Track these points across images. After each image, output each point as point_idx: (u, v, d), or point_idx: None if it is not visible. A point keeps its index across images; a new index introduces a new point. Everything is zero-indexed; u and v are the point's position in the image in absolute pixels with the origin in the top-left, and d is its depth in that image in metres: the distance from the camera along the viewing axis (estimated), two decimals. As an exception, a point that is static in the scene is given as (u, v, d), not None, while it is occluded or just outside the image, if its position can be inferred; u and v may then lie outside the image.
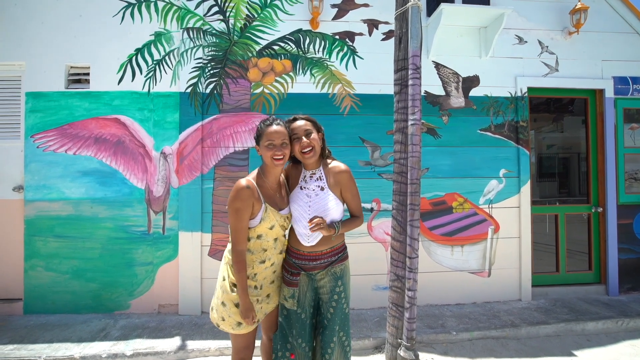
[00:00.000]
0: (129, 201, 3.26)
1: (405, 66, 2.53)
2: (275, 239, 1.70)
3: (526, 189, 3.55)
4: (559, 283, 3.71)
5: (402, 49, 2.58)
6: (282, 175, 1.82)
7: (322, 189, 1.70)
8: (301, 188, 1.73)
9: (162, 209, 3.28)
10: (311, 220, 1.63)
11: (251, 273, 1.66)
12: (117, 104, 3.27)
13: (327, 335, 1.71)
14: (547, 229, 4.09)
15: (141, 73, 3.29)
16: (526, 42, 3.61)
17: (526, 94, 3.57)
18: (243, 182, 1.58)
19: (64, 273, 3.22)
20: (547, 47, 3.63)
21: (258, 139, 1.63)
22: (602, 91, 3.69)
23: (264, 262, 1.67)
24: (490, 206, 3.53)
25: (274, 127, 1.59)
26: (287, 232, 1.80)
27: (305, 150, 1.66)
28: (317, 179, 1.72)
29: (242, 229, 1.57)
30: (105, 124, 3.27)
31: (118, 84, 3.27)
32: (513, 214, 3.54)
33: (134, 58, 3.29)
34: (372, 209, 3.39)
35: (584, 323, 3.02)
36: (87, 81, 3.29)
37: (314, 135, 1.69)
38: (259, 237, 1.63)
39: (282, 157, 1.58)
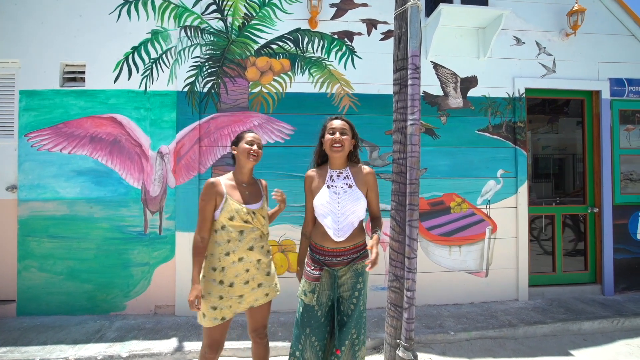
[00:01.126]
0: (125, 201, 3.22)
1: (404, 66, 2.52)
2: (241, 232, 1.78)
3: (523, 190, 3.56)
4: (555, 283, 3.74)
5: (402, 48, 2.57)
6: (262, 184, 1.99)
7: (350, 186, 1.80)
8: (328, 187, 1.81)
9: (159, 209, 3.24)
10: (373, 260, 1.61)
11: (219, 266, 1.76)
12: (113, 102, 3.23)
13: (344, 332, 1.75)
14: (544, 229, 4.12)
15: (138, 71, 3.25)
16: (524, 43, 3.63)
17: (524, 95, 3.58)
18: (211, 179, 1.81)
19: (58, 274, 3.17)
20: (545, 48, 3.65)
21: (238, 140, 1.86)
22: (598, 92, 3.72)
23: (228, 254, 1.76)
24: (487, 206, 3.54)
25: (252, 134, 1.89)
26: (263, 230, 1.85)
27: (336, 145, 1.79)
28: (345, 177, 1.83)
29: (205, 219, 1.76)
30: (101, 122, 3.23)
31: (114, 82, 3.23)
32: (510, 214, 3.56)
33: (130, 56, 3.25)
34: (370, 209, 3.38)
35: (580, 323, 3.04)
36: (83, 79, 3.25)
37: (348, 137, 1.83)
38: (222, 227, 1.77)
39: (256, 154, 1.83)
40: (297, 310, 1.84)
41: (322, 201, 1.79)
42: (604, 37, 3.72)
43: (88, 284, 3.19)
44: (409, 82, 2.38)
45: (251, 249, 1.80)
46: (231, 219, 1.76)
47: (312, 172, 1.93)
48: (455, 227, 3.51)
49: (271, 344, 2.60)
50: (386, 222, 3.39)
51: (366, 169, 1.87)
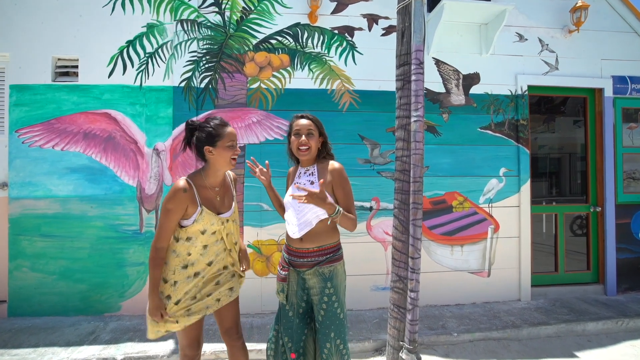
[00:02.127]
0: (120, 199, 3.14)
1: (407, 61, 2.46)
2: (205, 246, 1.62)
3: (526, 188, 3.52)
4: (557, 283, 3.69)
5: (405, 43, 2.50)
6: (231, 177, 1.82)
7: (312, 183, 1.72)
8: (295, 183, 1.78)
9: (155, 208, 3.16)
10: (305, 192, 1.58)
11: (171, 279, 1.59)
12: (108, 98, 3.14)
13: (320, 340, 1.69)
14: (545, 228, 4.08)
15: (132, 66, 3.16)
16: (526, 39, 3.58)
17: (526, 92, 3.53)
18: (181, 183, 1.56)
19: (51, 274, 3.09)
20: (547, 45, 3.60)
21: (215, 139, 1.57)
22: (601, 90, 3.68)
23: (186, 267, 1.60)
24: (490, 205, 3.49)
25: (231, 129, 1.64)
26: (226, 243, 1.72)
27: (302, 147, 1.72)
28: (310, 174, 1.76)
29: (168, 229, 1.56)
30: (94, 118, 3.14)
31: (108, 77, 3.15)
32: (513, 213, 3.51)
33: (125, 50, 3.16)
34: (371, 208, 3.32)
35: (584, 323, 3.00)
36: (76, 74, 3.16)
37: (314, 137, 1.74)
38: (188, 239, 1.60)
39: (235, 159, 1.65)
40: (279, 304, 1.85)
41: (287, 197, 1.78)
42: (607, 34, 3.67)
43: (82, 284, 3.11)
44: (413, 77, 2.31)
45: (211, 264, 1.65)
46: (203, 232, 1.60)
47: (291, 169, 1.92)
48: (457, 226, 3.45)
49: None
50: (387, 221, 3.33)
51: (333, 164, 1.74)
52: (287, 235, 1.79)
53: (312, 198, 1.56)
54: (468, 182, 3.46)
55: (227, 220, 1.67)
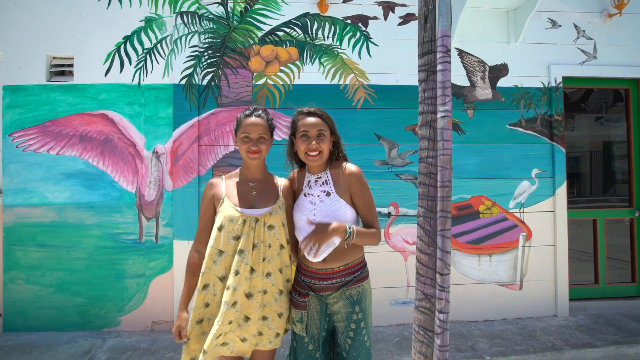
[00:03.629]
0: (118, 206, 2.93)
1: (432, 49, 2.14)
2: (221, 253, 1.37)
3: (562, 191, 3.16)
4: (598, 296, 3.31)
5: (429, 29, 2.18)
6: (282, 184, 1.55)
7: (329, 194, 1.45)
8: (305, 195, 1.50)
9: (155, 215, 2.94)
10: (304, 240, 1.38)
11: (207, 279, 1.37)
12: (104, 98, 2.94)
13: None
14: (581, 234, 3.69)
15: (130, 63, 2.95)
16: (560, 26, 3.22)
17: (561, 84, 3.18)
18: (213, 179, 1.53)
19: (47, 286, 2.90)
20: (584, 31, 3.23)
21: (236, 128, 1.48)
22: (646, 80, 3.29)
23: (203, 274, 1.38)
24: (521, 210, 3.15)
25: (252, 119, 1.43)
26: (245, 261, 1.38)
27: (312, 154, 1.45)
28: (323, 183, 1.48)
29: (202, 229, 1.46)
30: (91, 120, 2.94)
31: (105, 75, 2.94)
32: (547, 219, 3.15)
33: (122, 47, 2.95)
34: (389, 214, 3.02)
35: (637, 346, 2.63)
36: (71, 73, 2.97)
37: (326, 137, 1.47)
38: (219, 228, 1.40)
39: (257, 151, 1.42)
40: (292, 339, 1.54)
41: (297, 213, 1.49)
42: (652, 18, 3.28)
43: (79, 298, 2.90)
44: (439, 67, 2.00)
45: (223, 279, 1.35)
46: (220, 229, 1.37)
47: (295, 175, 1.62)
48: (484, 233, 3.12)
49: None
50: (407, 229, 3.03)
51: (349, 168, 1.49)
52: (302, 254, 1.50)
53: (319, 237, 1.35)
54: (496, 185, 3.13)
55: (257, 221, 1.38)
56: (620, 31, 3.25)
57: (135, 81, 2.95)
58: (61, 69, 2.98)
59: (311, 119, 1.46)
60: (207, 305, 1.37)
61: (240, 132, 1.43)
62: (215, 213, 1.44)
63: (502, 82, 3.17)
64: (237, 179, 1.48)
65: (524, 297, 3.13)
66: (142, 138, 2.94)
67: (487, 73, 3.16)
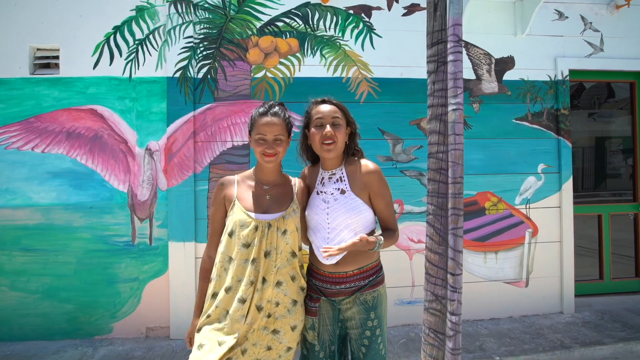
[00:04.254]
0: (109, 207, 2.77)
1: (442, 38, 2.03)
2: (230, 260, 1.27)
3: (568, 187, 3.10)
4: (603, 292, 3.28)
5: (439, 17, 2.07)
6: (297, 185, 1.43)
7: (343, 192, 1.36)
8: (318, 192, 1.41)
9: (149, 216, 2.79)
10: (327, 247, 1.27)
11: (217, 287, 1.27)
12: (93, 92, 2.76)
13: None
14: (585, 230, 3.65)
15: (121, 55, 2.78)
16: (567, 17, 3.15)
17: (567, 78, 3.11)
18: (225, 178, 1.40)
19: (33, 293, 2.73)
20: (591, 23, 3.17)
21: (250, 128, 1.35)
22: (651, 74, 3.25)
23: (227, 271, 1.27)
24: (527, 206, 3.08)
25: (267, 118, 1.30)
26: (258, 262, 1.27)
27: (327, 142, 1.33)
28: (337, 180, 1.39)
29: (212, 232, 1.38)
30: (79, 115, 2.76)
31: (93, 68, 2.77)
32: (553, 215, 3.10)
33: (112, 37, 2.78)
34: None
35: (645, 342, 2.59)
36: (57, 65, 2.78)
37: (342, 127, 1.37)
38: (230, 234, 1.30)
39: (273, 154, 1.29)
40: (302, 347, 1.44)
41: (310, 212, 1.40)
42: (658, 10, 3.23)
43: (68, 304, 2.74)
44: (450, 57, 1.88)
45: (228, 290, 1.24)
46: (231, 234, 1.27)
47: (307, 170, 1.54)
48: (490, 230, 3.05)
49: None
50: (411, 226, 2.94)
51: (367, 166, 1.40)
52: (313, 256, 1.41)
53: (344, 249, 1.23)
54: (502, 181, 3.06)
55: (270, 226, 1.26)
56: (627, 23, 3.19)
57: (126, 74, 2.78)
58: (46, 61, 2.79)
59: (326, 107, 1.38)
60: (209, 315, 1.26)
61: (254, 133, 1.31)
62: (225, 215, 1.33)
63: (508, 75, 3.08)
64: (250, 181, 1.37)
65: (529, 294, 3.07)
66: (134, 134, 2.78)
67: (493, 66, 3.07)
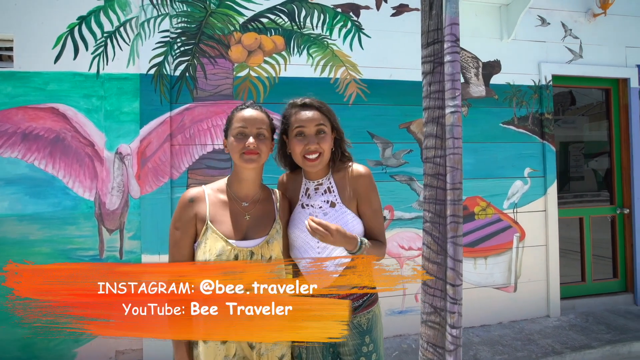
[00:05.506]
0: (73, 217, 2.48)
1: (438, 38, 1.95)
2: None
3: (553, 190, 3.14)
4: (585, 294, 3.34)
5: (434, 16, 1.99)
6: (276, 195, 1.25)
7: (333, 204, 1.22)
8: (303, 206, 1.25)
9: (119, 227, 2.53)
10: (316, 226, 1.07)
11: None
12: (54, 88, 2.47)
13: None
14: (566, 232, 3.72)
15: (87, 49, 2.51)
16: (549, 24, 3.20)
17: (551, 83, 3.15)
18: (192, 191, 1.14)
19: (-20, 317, 2.38)
20: (571, 30, 3.24)
21: (227, 127, 1.17)
22: (626, 80, 3.36)
23: None
24: (514, 211, 3.08)
25: (249, 111, 1.13)
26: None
27: (310, 157, 1.18)
28: (325, 192, 1.24)
29: (179, 261, 1.10)
30: (37, 115, 2.46)
31: (55, 62, 2.48)
32: (539, 219, 3.12)
33: (76, 29, 2.50)
34: (384, 218, 2.82)
35: (630, 344, 2.64)
36: (10, 58, 2.47)
37: (327, 135, 1.21)
38: None
39: (256, 152, 1.09)
40: None
41: (295, 229, 1.22)
42: (631, 20, 3.36)
43: (23, 329, 2.40)
44: (447, 57, 1.80)
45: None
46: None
47: (287, 179, 1.36)
48: (479, 235, 3.02)
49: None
50: (402, 233, 2.85)
51: (358, 169, 1.26)
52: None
53: (328, 238, 1.05)
54: (491, 185, 3.04)
55: (253, 254, 1.08)
56: (603, 31, 3.29)
57: (93, 70, 2.51)
58: (-3, 53, 2.48)
59: (308, 113, 1.20)
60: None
61: (233, 128, 1.12)
62: (195, 241, 1.10)
63: (495, 79, 3.09)
64: (223, 195, 1.14)
65: (518, 299, 3.07)
66: (102, 137, 2.51)
67: (480, 69, 3.06)
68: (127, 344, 2.51)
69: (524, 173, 3.10)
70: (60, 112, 2.48)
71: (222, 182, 1.20)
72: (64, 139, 2.49)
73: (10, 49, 2.47)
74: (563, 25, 3.22)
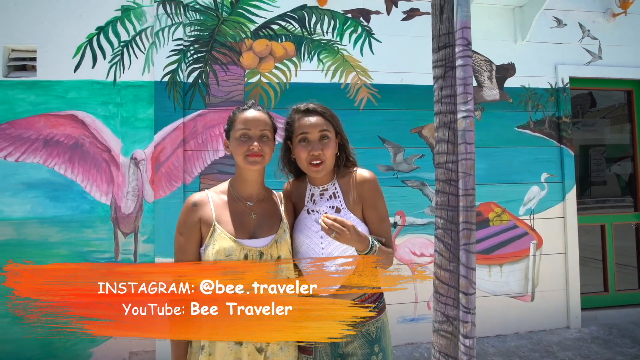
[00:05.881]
0: (90, 220, 2.55)
1: (449, 42, 1.92)
2: None
3: (572, 196, 3.03)
4: (608, 305, 3.19)
5: (445, 20, 1.96)
6: (279, 198, 1.26)
7: (339, 210, 1.21)
8: (308, 212, 1.24)
9: (134, 230, 2.58)
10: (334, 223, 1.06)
11: (204, 343, 1.05)
12: (73, 96, 2.57)
13: None
14: (588, 240, 3.58)
15: (104, 58, 2.60)
16: (565, 25, 3.12)
17: (568, 85, 3.06)
18: (195, 195, 1.14)
19: (2, 316, 2.46)
20: (589, 31, 3.14)
21: (229, 128, 1.16)
22: (649, 82, 3.23)
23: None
24: (531, 217, 2.99)
25: (252, 112, 1.13)
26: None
27: (315, 163, 1.18)
28: (330, 197, 1.24)
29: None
30: (57, 122, 2.56)
31: (74, 71, 2.58)
32: (557, 226, 3.01)
33: (94, 39, 2.60)
34: (395, 224, 2.79)
35: (657, 359, 2.49)
36: (34, 68, 2.59)
37: (331, 141, 1.20)
38: None
39: (260, 154, 1.10)
40: None
41: (300, 235, 1.21)
42: (654, 19, 3.24)
43: (40, 328, 2.49)
44: (459, 62, 1.77)
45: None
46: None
47: (291, 186, 1.35)
48: (494, 242, 2.94)
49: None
50: (414, 239, 2.80)
51: (362, 174, 1.24)
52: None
53: (345, 235, 1.04)
54: (506, 191, 2.96)
55: (262, 255, 1.08)
56: (624, 31, 3.18)
57: (110, 78, 2.60)
58: (22, 63, 2.60)
59: (311, 119, 1.20)
60: None
61: (235, 130, 1.12)
62: (201, 245, 1.09)
63: (509, 83, 3.02)
64: (227, 197, 1.15)
65: (535, 308, 2.96)
66: (118, 142, 2.59)
67: (494, 73, 3.00)
68: (140, 346, 2.56)
69: (541, 178, 3.01)
70: (79, 118, 2.57)
71: (224, 185, 1.20)
72: (82, 145, 2.57)
73: (34, 59, 2.58)
74: (580, 26, 3.13)
